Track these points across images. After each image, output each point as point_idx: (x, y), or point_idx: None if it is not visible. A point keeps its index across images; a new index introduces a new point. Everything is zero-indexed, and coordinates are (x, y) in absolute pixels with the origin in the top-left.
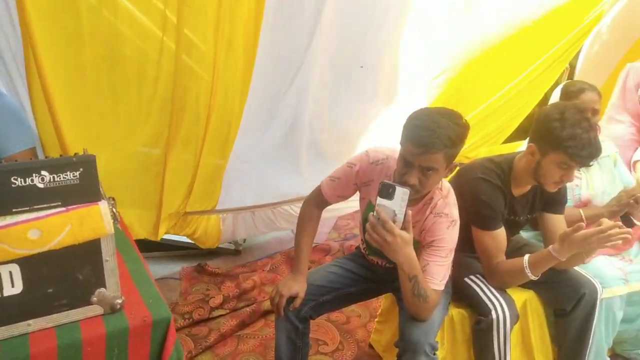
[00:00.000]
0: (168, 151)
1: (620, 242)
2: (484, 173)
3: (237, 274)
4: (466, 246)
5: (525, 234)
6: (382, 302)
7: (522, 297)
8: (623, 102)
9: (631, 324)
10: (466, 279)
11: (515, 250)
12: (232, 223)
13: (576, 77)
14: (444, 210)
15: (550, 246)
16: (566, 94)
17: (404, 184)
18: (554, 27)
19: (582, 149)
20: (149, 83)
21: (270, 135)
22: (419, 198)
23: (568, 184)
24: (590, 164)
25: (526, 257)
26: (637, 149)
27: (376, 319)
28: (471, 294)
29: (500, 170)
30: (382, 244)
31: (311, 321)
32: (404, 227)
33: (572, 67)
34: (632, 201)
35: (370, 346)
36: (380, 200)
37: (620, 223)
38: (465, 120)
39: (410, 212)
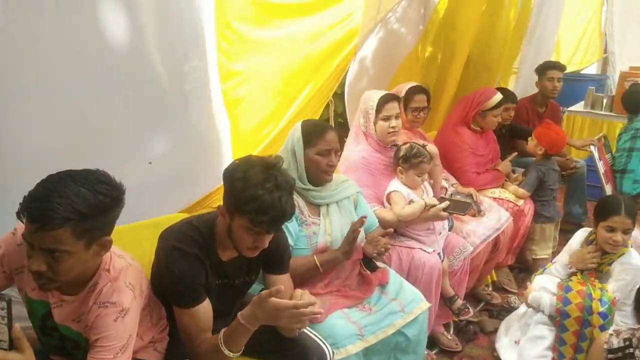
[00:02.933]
0: None
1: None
2: (179, 240)
3: None
4: None
5: None
6: None
7: None
8: (357, 129)
9: None
10: None
11: None
12: None
13: (347, 112)
14: (110, 298)
15: (240, 313)
16: (307, 136)
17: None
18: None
19: (263, 214)
20: None
21: None
22: (80, 284)
23: (305, 232)
24: (278, 229)
25: (222, 331)
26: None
27: None
28: None
29: (199, 235)
30: None
31: None
32: (16, 347)
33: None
34: (352, 237)
35: None
36: None
37: (314, 299)
38: (114, 185)
39: (18, 325)
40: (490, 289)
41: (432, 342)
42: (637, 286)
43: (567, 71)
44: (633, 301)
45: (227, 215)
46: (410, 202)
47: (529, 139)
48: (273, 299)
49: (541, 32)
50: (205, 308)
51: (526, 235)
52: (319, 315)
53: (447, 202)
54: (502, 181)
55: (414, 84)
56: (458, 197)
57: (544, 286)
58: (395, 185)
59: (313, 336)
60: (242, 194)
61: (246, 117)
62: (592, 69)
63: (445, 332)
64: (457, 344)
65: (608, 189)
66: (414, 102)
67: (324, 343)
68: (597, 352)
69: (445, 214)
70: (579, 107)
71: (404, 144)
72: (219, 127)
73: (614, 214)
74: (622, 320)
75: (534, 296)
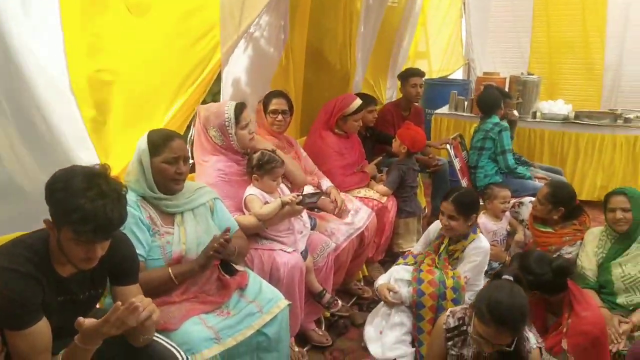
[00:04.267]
0: None
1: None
2: (10, 260)
3: None
4: None
5: None
6: None
7: None
8: (204, 144)
9: None
10: None
11: None
12: None
13: None
14: None
15: (76, 336)
16: (153, 145)
17: None
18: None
19: (86, 223)
20: None
21: None
22: None
23: (159, 242)
24: (107, 237)
25: (61, 353)
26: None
27: None
28: None
29: (32, 253)
30: None
31: None
32: None
33: None
34: (212, 253)
35: None
36: None
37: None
38: None
39: None
40: (362, 283)
41: (304, 339)
42: (486, 267)
43: (436, 77)
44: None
45: (54, 228)
46: (266, 203)
47: (393, 140)
48: (85, 324)
49: (402, 43)
50: (41, 328)
51: (392, 230)
52: (139, 307)
53: (300, 197)
54: (367, 181)
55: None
56: (310, 192)
57: (400, 278)
58: (251, 190)
59: (166, 344)
60: (64, 205)
61: (109, 133)
62: (459, 75)
63: (316, 329)
64: (327, 339)
65: (464, 183)
66: (272, 105)
67: (177, 350)
68: (438, 332)
69: (299, 207)
70: (444, 109)
71: (255, 152)
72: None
73: (443, 200)
74: (471, 298)
75: (393, 296)
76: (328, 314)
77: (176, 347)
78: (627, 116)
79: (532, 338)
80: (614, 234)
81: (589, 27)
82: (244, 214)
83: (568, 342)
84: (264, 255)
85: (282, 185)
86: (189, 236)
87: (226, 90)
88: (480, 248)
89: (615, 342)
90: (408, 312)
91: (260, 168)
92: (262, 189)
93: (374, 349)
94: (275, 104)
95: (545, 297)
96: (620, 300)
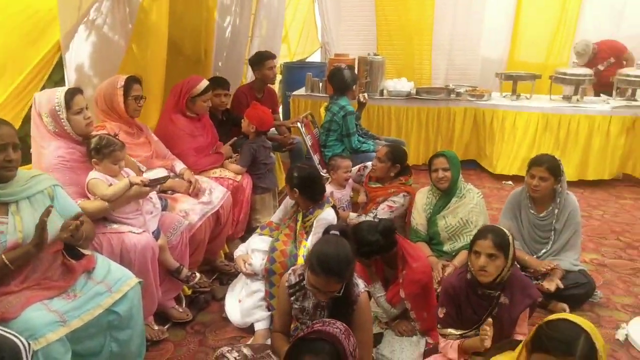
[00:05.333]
0: None
1: None
2: None
3: None
4: None
5: None
6: None
7: None
8: (41, 130)
9: (98, 356)
10: None
11: None
12: None
13: None
14: None
15: None
16: None
17: None
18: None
19: None
20: None
21: None
22: None
23: None
24: None
25: None
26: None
27: None
28: None
29: None
30: None
31: None
32: None
33: None
34: (66, 237)
35: None
36: None
37: None
38: None
39: None
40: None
41: (164, 317)
42: None
43: (295, 60)
44: None
45: None
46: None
47: (242, 120)
48: None
49: (267, 29)
50: None
51: (249, 207)
52: None
53: (148, 179)
54: (221, 162)
55: (124, 75)
56: (158, 174)
57: (256, 248)
58: (93, 174)
59: (4, 333)
60: None
61: None
62: (317, 57)
63: (176, 306)
64: (188, 315)
65: (316, 159)
66: (134, 90)
67: (17, 337)
68: (282, 289)
69: (146, 189)
70: (301, 91)
71: (94, 136)
72: None
73: None
74: None
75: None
76: (189, 291)
77: (16, 334)
78: (458, 91)
79: (361, 284)
80: (438, 192)
81: (421, 12)
82: (88, 199)
83: (404, 291)
84: (113, 238)
85: (128, 169)
86: (26, 225)
87: (70, 77)
88: (325, 220)
89: (440, 283)
90: (263, 280)
91: (99, 152)
92: (105, 173)
93: (233, 316)
94: (137, 90)
95: (383, 255)
96: (446, 247)
